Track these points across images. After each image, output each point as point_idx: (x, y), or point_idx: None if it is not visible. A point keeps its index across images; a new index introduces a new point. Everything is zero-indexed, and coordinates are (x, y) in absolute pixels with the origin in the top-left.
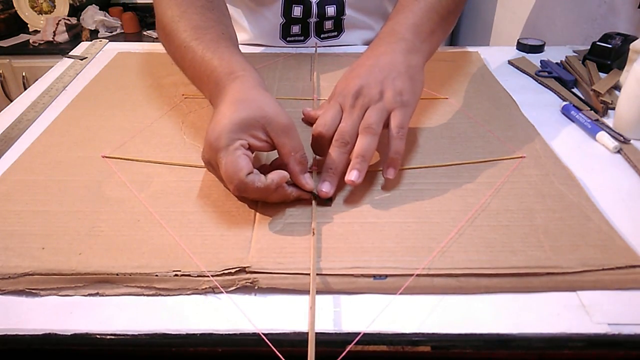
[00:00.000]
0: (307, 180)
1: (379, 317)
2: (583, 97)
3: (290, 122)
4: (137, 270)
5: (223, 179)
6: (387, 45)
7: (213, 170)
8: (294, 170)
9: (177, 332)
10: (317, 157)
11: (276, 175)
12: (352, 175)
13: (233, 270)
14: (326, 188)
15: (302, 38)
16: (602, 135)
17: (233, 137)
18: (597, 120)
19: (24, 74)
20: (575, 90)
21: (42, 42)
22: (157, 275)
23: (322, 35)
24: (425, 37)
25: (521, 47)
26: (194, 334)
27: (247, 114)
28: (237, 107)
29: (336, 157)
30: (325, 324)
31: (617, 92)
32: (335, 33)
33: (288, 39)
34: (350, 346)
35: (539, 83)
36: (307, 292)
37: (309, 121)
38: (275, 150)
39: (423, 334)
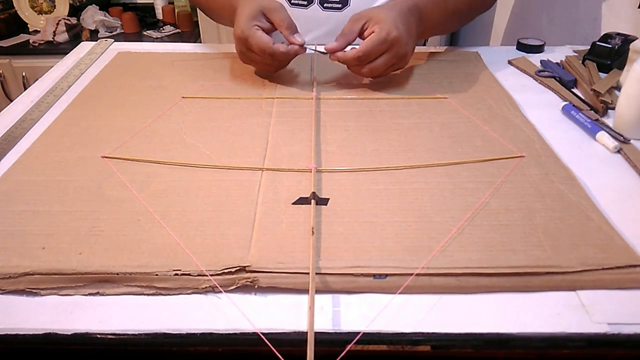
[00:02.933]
0: (297, 38)
1: (379, 317)
2: (583, 97)
3: (278, 4)
4: (137, 270)
5: (257, 54)
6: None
7: (248, 53)
8: (285, 33)
9: (178, 332)
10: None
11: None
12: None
13: (233, 270)
14: (326, 46)
15: (305, 3)
16: (602, 135)
17: (249, 24)
18: (597, 120)
19: (24, 74)
20: (575, 90)
21: (42, 42)
22: (157, 275)
23: (325, 4)
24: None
25: (521, 47)
26: (194, 334)
27: (250, 10)
28: (244, 8)
29: (346, 60)
30: (325, 324)
31: (617, 92)
32: (340, 5)
33: (292, 1)
34: (350, 346)
35: (539, 83)
36: (307, 291)
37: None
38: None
39: (423, 333)
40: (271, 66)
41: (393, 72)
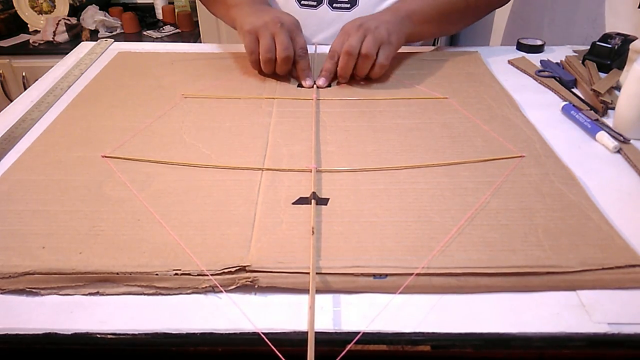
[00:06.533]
0: (309, 82)
1: (379, 317)
2: (583, 97)
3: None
4: (137, 270)
5: (276, 45)
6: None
7: (263, 32)
8: (301, 74)
9: (178, 332)
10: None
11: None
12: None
13: (233, 269)
14: (322, 82)
15: (314, 3)
16: (602, 135)
17: (295, 22)
18: (597, 120)
19: (24, 74)
20: (575, 90)
21: (42, 42)
22: (157, 275)
23: (334, 5)
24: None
25: (521, 47)
26: (194, 334)
27: (292, 19)
28: (282, 13)
29: (344, 64)
30: (325, 323)
31: (617, 92)
32: (349, 5)
33: (302, 2)
34: (350, 345)
35: (539, 83)
36: (307, 291)
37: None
38: None
39: (423, 333)
40: (268, 64)
41: (382, 46)
